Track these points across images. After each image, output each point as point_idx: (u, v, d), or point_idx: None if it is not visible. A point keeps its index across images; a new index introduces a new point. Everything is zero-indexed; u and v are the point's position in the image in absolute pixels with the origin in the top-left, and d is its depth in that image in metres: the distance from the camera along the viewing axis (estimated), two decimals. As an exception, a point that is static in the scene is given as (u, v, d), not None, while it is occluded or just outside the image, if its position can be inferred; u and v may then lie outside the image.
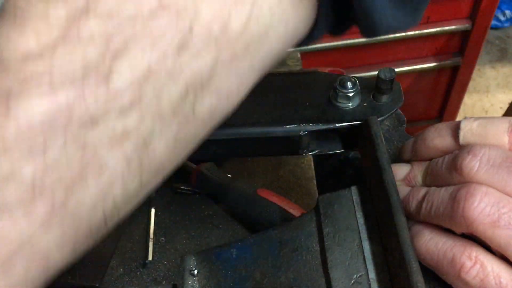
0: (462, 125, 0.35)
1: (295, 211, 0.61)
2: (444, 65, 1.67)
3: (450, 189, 0.32)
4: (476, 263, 0.30)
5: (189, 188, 0.70)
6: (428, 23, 1.56)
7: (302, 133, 0.44)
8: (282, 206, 0.62)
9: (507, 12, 2.52)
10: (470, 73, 1.71)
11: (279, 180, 0.71)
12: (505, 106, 2.20)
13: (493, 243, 0.30)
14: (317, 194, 0.69)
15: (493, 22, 2.43)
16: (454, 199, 0.31)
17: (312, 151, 0.44)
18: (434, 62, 1.66)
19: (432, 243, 0.33)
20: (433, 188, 0.35)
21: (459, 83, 1.74)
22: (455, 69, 1.70)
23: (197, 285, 0.48)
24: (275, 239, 0.46)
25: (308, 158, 0.74)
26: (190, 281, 0.48)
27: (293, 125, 0.44)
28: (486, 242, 0.30)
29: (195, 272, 0.48)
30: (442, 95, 1.81)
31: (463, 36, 1.61)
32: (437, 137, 0.37)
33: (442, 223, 0.33)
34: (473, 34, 1.58)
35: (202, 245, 0.64)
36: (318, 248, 0.40)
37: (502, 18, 2.53)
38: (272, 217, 0.61)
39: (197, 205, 0.68)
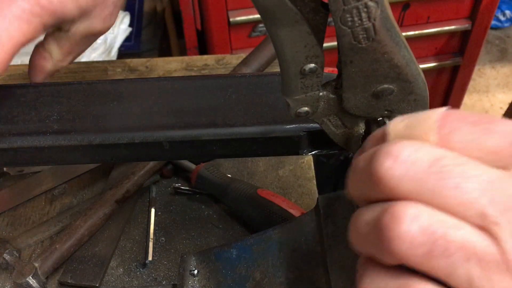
0: (389, 129, 0.28)
1: (295, 211, 0.61)
2: (444, 65, 1.67)
3: (378, 209, 0.26)
4: None
5: (189, 188, 0.70)
6: (428, 23, 1.56)
7: (301, 133, 0.44)
8: (282, 206, 0.62)
9: (507, 12, 2.52)
10: (470, 73, 1.71)
11: (279, 180, 0.71)
12: (505, 106, 2.20)
13: (432, 274, 0.25)
14: (317, 194, 0.69)
15: (493, 22, 2.43)
16: (378, 227, 0.25)
17: (312, 151, 0.44)
18: (434, 62, 1.66)
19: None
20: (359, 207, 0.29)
21: (459, 83, 1.74)
22: (455, 69, 1.70)
23: (197, 285, 0.48)
24: (275, 239, 0.46)
25: (308, 158, 0.74)
26: (190, 281, 0.48)
27: (293, 125, 0.44)
28: (427, 274, 0.25)
29: (195, 272, 0.48)
30: (442, 95, 1.81)
31: (463, 36, 1.61)
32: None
33: (373, 256, 0.27)
34: (473, 34, 1.58)
35: (202, 245, 0.64)
36: (318, 248, 0.40)
37: (502, 18, 2.53)
38: (272, 217, 0.61)
39: (197, 205, 0.69)
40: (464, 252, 0.24)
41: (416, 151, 0.25)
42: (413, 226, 0.24)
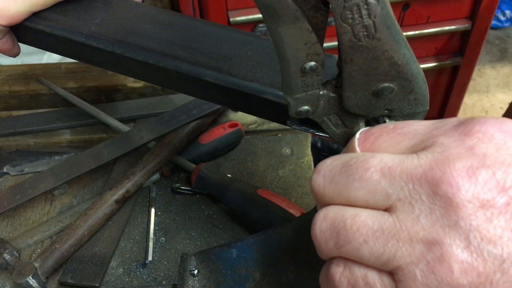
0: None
1: (295, 211, 0.61)
2: (444, 65, 1.67)
3: None
4: (345, 268, 0.30)
5: (189, 188, 0.70)
6: (428, 23, 1.56)
7: None
8: (282, 206, 0.62)
9: (507, 12, 2.52)
10: (470, 73, 1.71)
11: (279, 180, 0.71)
12: (505, 106, 2.20)
13: (351, 259, 0.30)
14: (317, 194, 0.69)
15: (493, 22, 2.43)
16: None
17: (299, 126, 0.44)
18: (434, 62, 1.66)
19: (321, 276, 0.33)
20: None
21: (459, 83, 1.74)
22: (455, 69, 1.70)
23: (197, 285, 0.48)
24: (275, 239, 0.46)
25: (309, 158, 0.74)
26: (190, 281, 0.48)
27: None
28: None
29: (195, 272, 0.48)
30: (442, 95, 1.81)
31: (463, 36, 1.61)
32: None
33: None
34: (473, 34, 1.58)
35: (202, 245, 0.64)
36: (318, 248, 0.40)
37: (502, 18, 2.53)
38: (272, 217, 0.61)
39: (197, 205, 0.68)
40: (360, 234, 0.28)
41: (333, 161, 0.31)
42: (322, 226, 0.30)
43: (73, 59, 0.57)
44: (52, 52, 0.58)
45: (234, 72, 0.47)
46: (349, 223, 0.29)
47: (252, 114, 0.52)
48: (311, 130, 0.42)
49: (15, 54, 0.60)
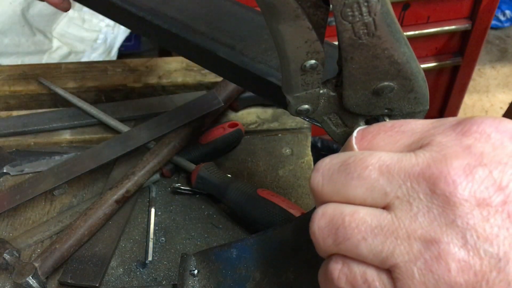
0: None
1: (295, 211, 0.61)
2: (444, 65, 1.67)
3: None
4: (343, 265, 0.30)
5: (189, 188, 0.70)
6: (428, 23, 1.56)
7: None
8: (282, 206, 0.61)
9: (507, 12, 2.52)
10: (470, 73, 1.71)
11: (279, 180, 0.71)
12: (505, 106, 2.20)
13: (350, 256, 0.29)
14: (317, 194, 0.69)
15: (493, 22, 2.43)
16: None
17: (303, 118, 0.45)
18: (434, 62, 1.66)
19: (320, 273, 0.33)
20: None
21: (459, 83, 1.74)
22: (455, 69, 1.70)
23: (197, 285, 0.48)
24: (275, 239, 0.46)
25: (309, 158, 0.74)
26: (190, 281, 0.48)
27: None
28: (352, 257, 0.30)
29: (195, 272, 0.48)
30: (442, 95, 1.81)
31: (463, 36, 1.61)
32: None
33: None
34: (473, 34, 1.58)
35: (202, 245, 0.64)
36: (319, 248, 0.40)
37: (502, 18, 2.53)
38: (272, 217, 0.61)
39: (197, 205, 0.68)
40: (359, 230, 0.28)
41: (331, 159, 0.31)
42: (321, 222, 0.30)
43: (108, 18, 0.62)
44: (91, 9, 0.63)
45: (246, 52, 0.49)
46: (347, 220, 0.29)
47: (256, 94, 0.54)
48: (307, 120, 0.42)
49: (65, 9, 0.64)
